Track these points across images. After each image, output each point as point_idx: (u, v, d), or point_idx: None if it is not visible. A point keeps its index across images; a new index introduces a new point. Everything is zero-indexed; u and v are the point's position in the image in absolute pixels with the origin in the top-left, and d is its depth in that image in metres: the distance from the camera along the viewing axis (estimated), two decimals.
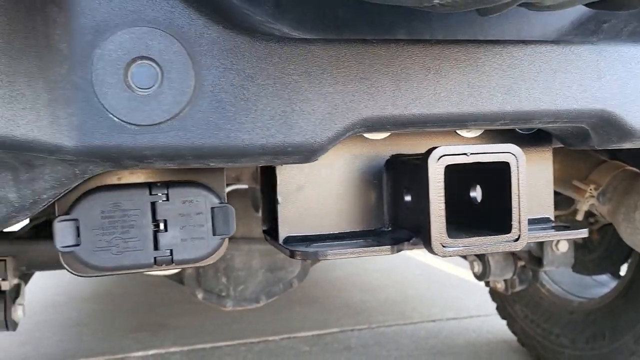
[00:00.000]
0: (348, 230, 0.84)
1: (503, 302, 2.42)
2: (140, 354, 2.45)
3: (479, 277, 2.10)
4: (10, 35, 0.54)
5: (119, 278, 3.89)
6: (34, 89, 0.56)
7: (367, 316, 2.97)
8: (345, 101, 0.66)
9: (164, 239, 0.74)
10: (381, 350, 2.50)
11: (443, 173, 0.70)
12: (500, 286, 2.22)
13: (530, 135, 0.92)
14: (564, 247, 1.97)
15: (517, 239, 0.73)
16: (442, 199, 0.70)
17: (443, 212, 0.70)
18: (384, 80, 0.67)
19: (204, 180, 0.78)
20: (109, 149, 0.59)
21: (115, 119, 0.59)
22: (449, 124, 0.72)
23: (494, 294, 2.47)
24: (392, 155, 0.85)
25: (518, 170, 0.72)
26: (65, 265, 0.74)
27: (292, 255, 0.76)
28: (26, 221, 1.95)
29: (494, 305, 2.51)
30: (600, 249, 2.22)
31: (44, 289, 3.47)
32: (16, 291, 1.68)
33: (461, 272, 3.94)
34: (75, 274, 0.75)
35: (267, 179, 0.87)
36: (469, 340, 2.64)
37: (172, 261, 0.74)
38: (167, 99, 0.61)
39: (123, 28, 0.59)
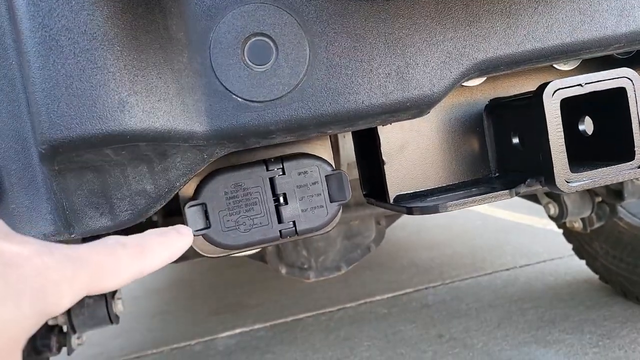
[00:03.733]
0: (456, 182, 0.84)
1: (580, 242, 2.38)
2: (227, 333, 2.55)
3: (556, 218, 2.06)
4: (136, 31, 0.56)
5: (190, 265, 4.04)
6: (164, 80, 0.58)
7: (439, 272, 2.98)
8: (458, 47, 0.65)
9: (286, 211, 0.76)
10: (460, 304, 2.51)
11: (559, 108, 0.68)
12: (578, 225, 2.17)
13: (629, 58, 0.88)
14: None
15: None
16: (562, 134, 0.68)
17: (564, 148, 0.68)
18: (493, 20, 0.66)
19: (312, 150, 0.79)
20: (236, 129, 0.61)
21: (238, 99, 0.60)
22: (564, 55, 0.70)
23: (569, 234, 2.42)
24: (492, 99, 0.84)
25: (635, 94, 0.70)
26: (197, 249, 0.78)
27: (410, 212, 0.76)
28: None
29: (565, 247, 2.47)
30: None
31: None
32: None
33: (521, 217, 3.89)
34: (207, 256, 0.78)
35: (363, 141, 0.87)
36: (547, 284, 2.61)
37: (296, 232, 0.76)
38: (285, 72, 0.61)
39: (233, 8, 0.60)
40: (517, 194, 0.76)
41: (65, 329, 1.78)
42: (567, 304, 2.36)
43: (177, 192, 0.74)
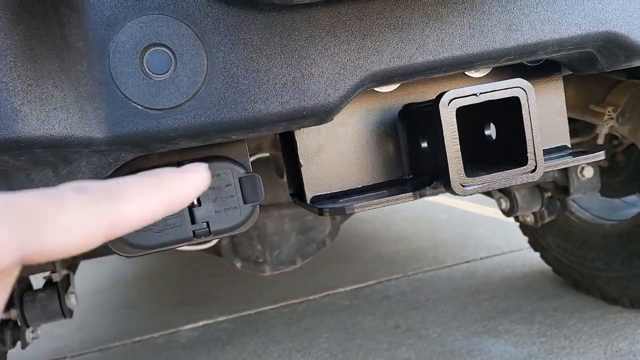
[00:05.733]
0: (371, 183, 0.87)
1: (534, 235, 2.45)
2: (190, 326, 2.58)
3: (507, 213, 2.12)
4: (30, 41, 0.58)
5: (157, 258, 4.04)
6: (60, 88, 0.60)
7: (402, 265, 3.04)
8: (352, 59, 0.68)
9: (199, 212, 0.79)
10: (419, 295, 2.57)
11: (455, 116, 0.72)
12: (530, 219, 2.24)
13: (539, 66, 0.92)
14: (589, 172, 1.97)
15: (534, 170, 0.75)
16: (457, 140, 0.72)
17: (459, 154, 0.72)
18: (386, 34, 0.69)
19: (227, 153, 0.81)
20: (136, 135, 0.63)
21: (138, 106, 0.63)
22: (456, 68, 0.74)
23: (525, 228, 2.49)
24: (405, 105, 0.87)
25: (528, 102, 0.73)
26: (114, 249, 0.80)
27: (321, 212, 0.80)
28: None
29: (524, 239, 2.54)
30: (626, 170, 2.21)
31: (88, 277, 3.63)
32: (67, 281, 1.79)
33: (487, 210, 3.96)
34: (123, 256, 0.81)
35: (287, 144, 0.90)
36: (504, 275, 2.69)
37: (209, 232, 0.79)
38: (184, 81, 0.64)
39: (132, 19, 0.62)
40: (422, 196, 0.80)
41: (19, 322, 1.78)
42: (520, 294, 2.44)
43: None
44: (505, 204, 2.14)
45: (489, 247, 3.11)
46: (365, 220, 4.07)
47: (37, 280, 1.80)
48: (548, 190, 2.09)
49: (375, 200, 0.77)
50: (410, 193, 0.78)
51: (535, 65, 0.91)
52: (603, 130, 1.41)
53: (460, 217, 3.97)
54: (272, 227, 1.85)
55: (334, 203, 0.81)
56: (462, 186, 0.72)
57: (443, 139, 0.71)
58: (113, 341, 2.53)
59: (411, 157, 0.87)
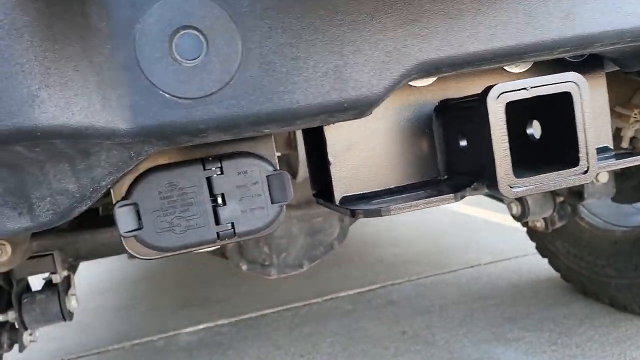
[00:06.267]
0: (404, 184, 0.82)
1: (543, 241, 2.41)
2: (191, 329, 2.51)
3: (518, 217, 2.07)
4: (49, 18, 0.52)
5: (160, 260, 3.97)
6: (81, 73, 0.54)
7: (405, 270, 2.99)
8: (399, 47, 0.63)
9: (224, 212, 0.73)
10: (424, 300, 2.52)
11: (504, 111, 0.67)
12: (540, 225, 2.19)
13: (581, 62, 0.87)
14: (604, 177, 1.93)
15: (586, 171, 0.70)
16: (506, 138, 0.67)
17: (508, 152, 0.67)
18: (435, 20, 0.64)
19: (254, 149, 0.76)
20: (163, 127, 0.58)
21: (166, 95, 0.57)
22: (507, 59, 0.68)
23: (533, 233, 2.45)
24: (441, 100, 0.82)
25: (581, 98, 0.69)
26: (130, 250, 0.74)
27: (353, 214, 0.74)
28: None
29: (529, 245, 2.50)
30: (638, 176, 2.17)
31: (88, 277, 3.56)
32: (67, 282, 1.72)
33: (489, 215, 3.93)
34: (140, 258, 0.75)
35: (314, 140, 0.84)
36: (511, 281, 2.64)
37: (234, 234, 0.73)
38: (216, 68, 0.58)
39: None
40: (462, 198, 0.74)
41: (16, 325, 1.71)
42: (528, 301, 2.39)
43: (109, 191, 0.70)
44: (516, 209, 2.09)
45: (493, 252, 3.07)
46: (366, 224, 4.02)
47: (37, 282, 1.73)
48: (561, 194, 2.05)
49: (414, 202, 0.72)
50: (452, 194, 0.72)
51: (577, 61, 0.86)
52: (628, 133, 1.37)
53: (463, 222, 3.93)
54: (279, 229, 1.79)
55: (367, 204, 0.76)
56: (510, 187, 0.67)
57: (490, 136, 0.66)
58: (111, 344, 2.46)
59: (447, 156, 0.81)
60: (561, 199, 2.09)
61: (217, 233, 0.73)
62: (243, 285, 3.04)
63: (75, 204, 0.61)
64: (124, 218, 0.69)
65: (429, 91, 0.82)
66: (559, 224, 2.14)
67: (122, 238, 0.72)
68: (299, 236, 1.83)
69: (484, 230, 3.61)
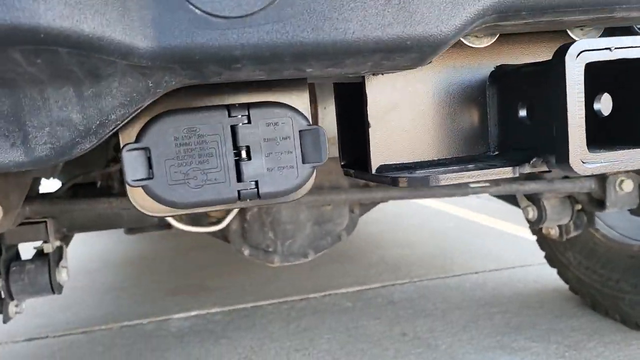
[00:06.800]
0: (449, 157, 0.72)
1: (553, 250, 2.32)
2: (182, 315, 2.42)
3: (534, 223, 1.98)
4: None
5: (150, 241, 3.87)
6: None
7: (407, 271, 2.90)
8: None
9: (248, 168, 0.63)
10: (427, 303, 2.44)
11: (583, 73, 0.57)
12: (554, 232, 2.11)
13: None
14: (628, 186, 1.84)
15: None
16: (582, 104, 0.58)
17: (583, 122, 0.58)
18: None
19: (287, 99, 0.66)
20: (191, 49, 0.48)
21: (197, 10, 0.47)
22: (597, 9, 0.59)
23: (543, 241, 2.36)
24: (498, 65, 0.73)
25: None
26: (135, 204, 0.64)
27: (395, 183, 0.65)
28: (60, 182, 1.87)
29: (535, 255, 2.42)
30: None
31: (77, 256, 3.47)
32: (59, 253, 1.62)
33: (493, 222, 3.85)
34: (147, 214, 0.65)
35: (349, 100, 0.75)
36: (516, 290, 2.56)
37: (258, 194, 0.63)
38: None
39: None
40: (521, 172, 0.65)
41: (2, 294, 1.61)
42: (534, 311, 2.31)
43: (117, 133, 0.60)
44: (532, 213, 2.00)
45: (498, 260, 2.99)
46: (369, 223, 3.93)
47: (27, 250, 1.63)
48: (580, 202, 1.96)
49: (467, 172, 0.62)
50: (510, 168, 0.63)
51: None
52: None
53: (467, 227, 3.85)
54: (286, 214, 1.69)
55: (410, 173, 0.66)
56: (583, 163, 0.58)
57: (565, 102, 0.57)
58: (99, 324, 2.36)
59: (502, 128, 0.72)
60: (579, 206, 2.00)
61: (239, 192, 0.63)
62: (239, 274, 2.95)
63: (77, 138, 0.51)
64: (133, 164, 0.59)
65: (485, 54, 0.73)
66: (574, 233, 2.05)
67: (127, 188, 0.62)
68: (306, 224, 1.73)
69: (488, 237, 3.53)
